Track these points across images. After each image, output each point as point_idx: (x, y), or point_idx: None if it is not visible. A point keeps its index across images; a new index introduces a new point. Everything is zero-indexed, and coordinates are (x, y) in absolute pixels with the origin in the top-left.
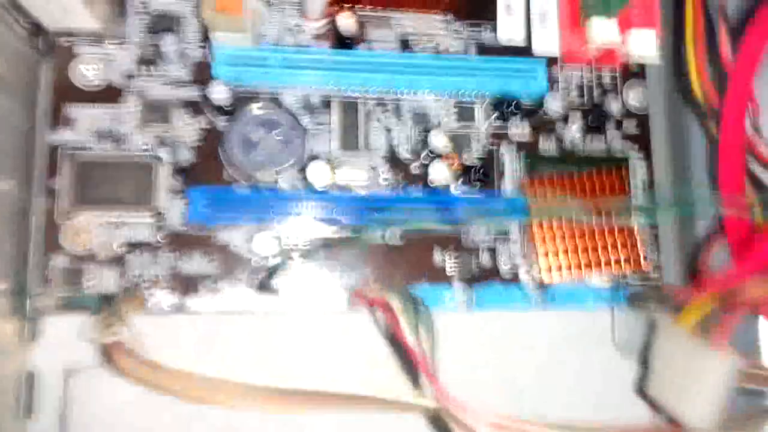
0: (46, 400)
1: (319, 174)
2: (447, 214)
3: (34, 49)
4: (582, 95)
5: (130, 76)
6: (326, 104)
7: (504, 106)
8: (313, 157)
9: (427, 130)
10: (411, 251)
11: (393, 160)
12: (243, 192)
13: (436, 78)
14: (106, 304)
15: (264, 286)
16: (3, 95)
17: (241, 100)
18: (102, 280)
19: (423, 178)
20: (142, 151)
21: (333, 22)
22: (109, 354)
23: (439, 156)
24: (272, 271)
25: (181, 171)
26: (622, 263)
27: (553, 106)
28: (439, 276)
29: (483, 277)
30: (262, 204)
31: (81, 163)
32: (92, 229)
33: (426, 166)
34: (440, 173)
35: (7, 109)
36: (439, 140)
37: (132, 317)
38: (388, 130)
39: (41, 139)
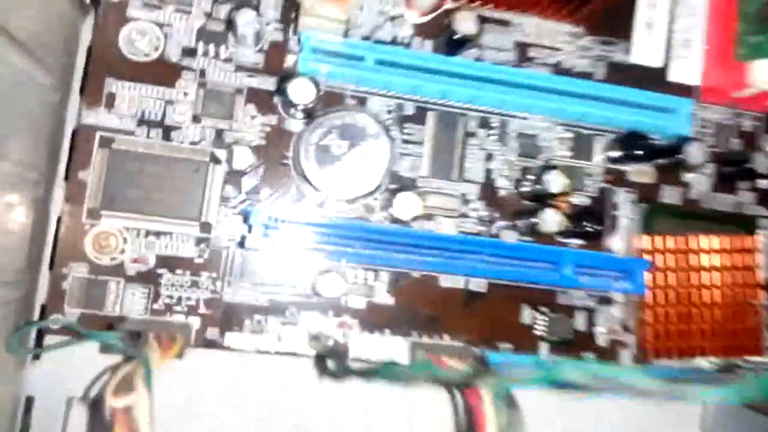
0: (43, 427)
1: (406, 205)
2: (556, 275)
3: (74, 4)
4: (718, 140)
5: (190, 53)
6: (421, 116)
7: (631, 143)
8: (400, 184)
9: (529, 156)
10: (495, 301)
11: (490, 193)
12: (313, 220)
13: (555, 101)
14: (131, 345)
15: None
16: (28, 57)
17: (324, 101)
18: (129, 301)
19: (524, 218)
20: (196, 148)
21: (446, 19)
22: (112, 417)
23: (552, 197)
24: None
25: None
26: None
27: (693, 151)
28: (522, 336)
29: (575, 344)
30: (334, 234)
31: (119, 154)
32: (124, 236)
33: (532, 208)
34: (552, 219)
35: (31, 76)
36: (557, 182)
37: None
38: (489, 156)
39: (72, 119)
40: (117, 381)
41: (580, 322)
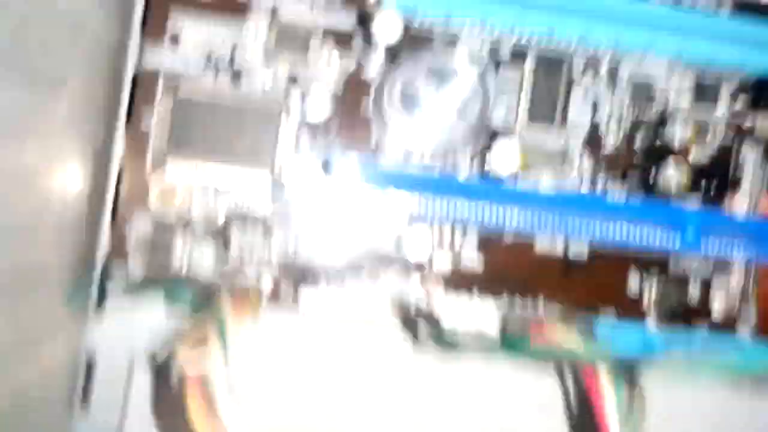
0: (105, 390)
1: (504, 157)
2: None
3: None
4: None
5: None
6: (520, 57)
7: (762, 91)
8: (494, 133)
9: (641, 104)
10: (599, 272)
11: (595, 144)
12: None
13: (675, 38)
14: (202, 303)
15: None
16: None
17: (410, 41)
18: (196, 258)
19: (638, 176)
20: (266, 94)
21: None
22: (182, 384)
23: (670, 153)
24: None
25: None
26: None
27: None
28: (629, 308)
29: (687, 315)
30: (420, 188)
31: (184, 100)
32: (191, 187)
33: (648, 164)
34: (671, 176)
35: (85, 13)
36: (677, 134)
37: (235, 331)
38: (595, 104)
39: (132, 61)
40: (188, 343)
41: (693, 291)
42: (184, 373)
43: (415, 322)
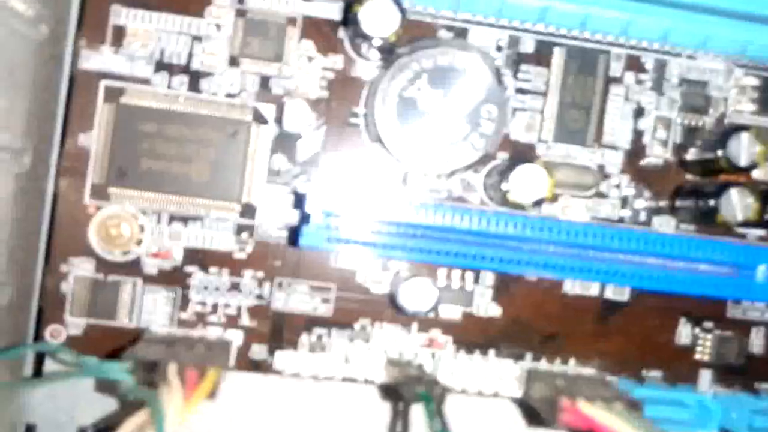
0: None
1: (527, 180)
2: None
3: None
4: None
5: None
6: (545, 54)
7: None
8: (514, 152)
9: (697, 111)
10: (641, 314)
11: (639, 163)
12: (392, 203)
13: (736, 29)
14: (143, 385)
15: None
16: None
17: (408, 35)
18: (148, 309)
19: (691, 202)
20: (233, 102)
21: None
22: None
23: (734, 170)
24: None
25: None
26: None
27: None
28: (676, 360)
29: (748, 372)
30: (428, 217)
31: (130, 109)
32: (140, 222)
33: (702, 186)
34: (736, 203)
35: (6, 8)
36: (746, 150)
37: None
38: (639, 111)
39: (68, 65)
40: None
41: (756, 342)
42: None
43: (412, 387)
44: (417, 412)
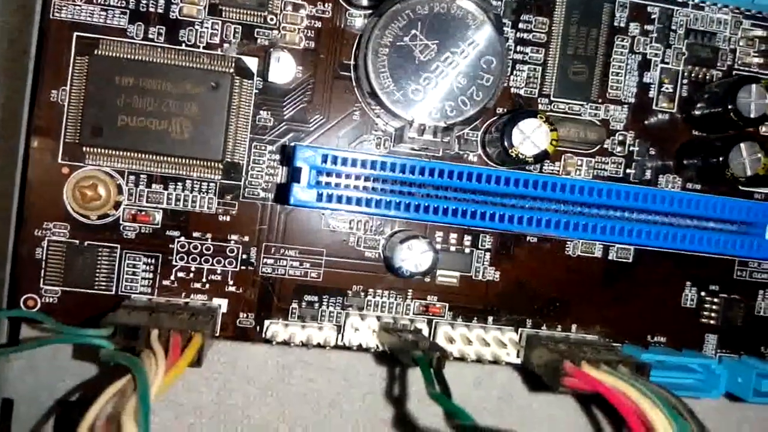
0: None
1: (528, 135)
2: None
3: None
4: None
5: None
6: (546, 3)
7: None
8: (514, 102)
9: (704, 64)
10: (646, 276)
11: (645, 118)
12: (386, 160)
13: None
14: (124, 350)
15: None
16: None
17: None
18: (128, 276)
19: (698, 157)
20: (214, 53)
21: None
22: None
23: (744, 124)
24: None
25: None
26: None
27: None
28: (682, 325)
29: (754, 336)
30: (416, 181)
31: (105, 62)
32: (118, 182)
33: (709, 141)
34: (746, 159)
35: None
36: (756, 102)
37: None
38: (645, 63)
39: (39, 15)
40: (98, 410)
41: (763, 305)
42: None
43: (409, 351)
44: (416, 377)
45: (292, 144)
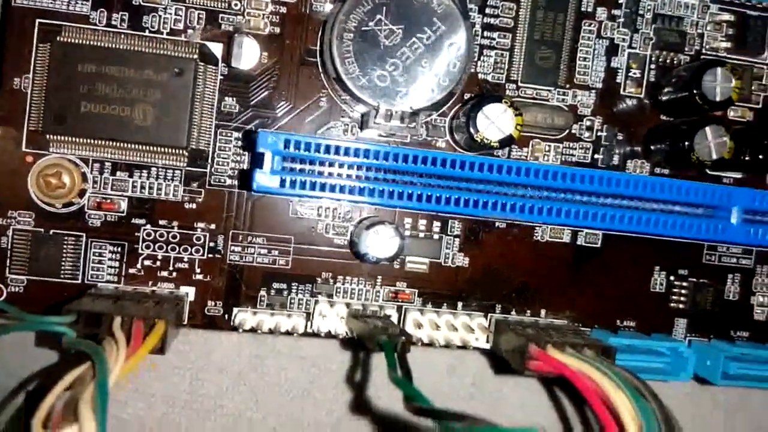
0: None
1: (494, 120)
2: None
3: None
4: None
5: None
6: None
7: None
8: (480, 92)
9: (671, 49)
10: (614, 261)
11: (612, 103)
12: (351, 146)
13: None
14: (84, 338)
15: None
16: None
17: None
18: (94, 264)
19: (665, 142)
20: (178, 39)
21: None
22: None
23: (710, 108)
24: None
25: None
26: None
27: None
28: (651, 310)
29: (723, 320)
30: (382, 167)
31: (68, 49)
32: (82, 170)
33: (676, 126)
34: (712, 142)
35: None
36: (722, 86)
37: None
38: (613, 48)
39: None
40: (55, 396)
41: (732, 289)
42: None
43: (374, 336)
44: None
45: (256, 130)
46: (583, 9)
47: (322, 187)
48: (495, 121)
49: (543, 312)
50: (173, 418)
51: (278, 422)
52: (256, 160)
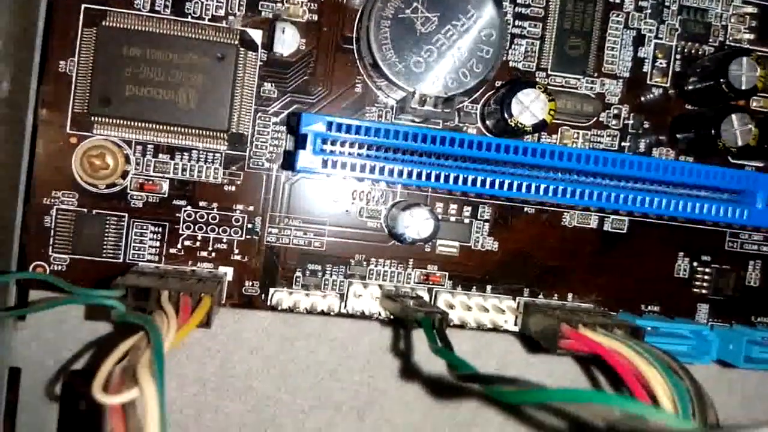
0: (34, 403)
1: (527, 106)
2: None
3: None
4: None
5: None
6: None
7: None
8: (513, 75)
9: (696, 39)
10: (639, 247)
11: (639, 92)
12: (388, 129)
13: None
14: (135, 311)
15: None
16: None
17: None
18: (136, 244)
19: (691, 129)
20: (220, 26)
21: None
22: (99, 413)
23: (735, 96)
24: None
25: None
26: None
27: None
28: (675, 294)
29: (744, 305)
30: (417, 149)
31: (112, 33)
32: (125, 152)
33: (701, 114)
34: (738, 129)
35: None
36: (747, 75)
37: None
38: (640, 38)
39: None
40: (112, 364)
41: (753, 275)
42: (108, 403)
43: (412, 313)
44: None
45: (299, 112)
46: (611, 0)
47: (362, 168)
48: (529, 106)
49: (570, 296)
50: (204, 398)
51: (307, 404)
52: (299, 141)
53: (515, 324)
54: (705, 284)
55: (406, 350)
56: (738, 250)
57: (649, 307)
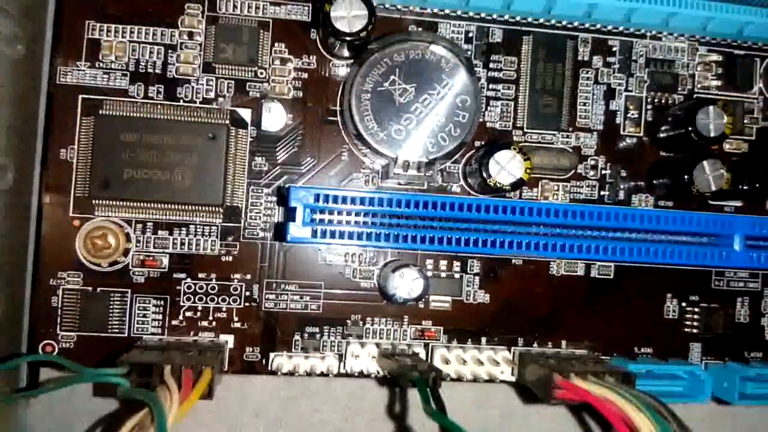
0: None
1: (505, 167)
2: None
3: None
4: None
5: None
6: (513, 43)
7: None
8: (489, 139)
9: (665, 90)
10: (628, 291)
11: (614, 143)
12: (374, 196)
13: (699, 9)
14: (139, 387)
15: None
16: None
17: (378, 31)
18: (139, 318)
19: (666, 176)
20: (210, 107)
21: None
22: None
23: (706, 143)
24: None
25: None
26: None
27: None
28: (666, 335)
29: (735, 342)
30: (404, 213)
31: (110, 120)
32: (126, 231)
33: (675, 161)
34: (710, 175)
35: None
36: (715, 122)
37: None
38: (610, 92)
39: (46, 81)
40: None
41: (742, 312)
42: None
43: (407, 373)
44: (415, 398)
45: (287, 186)
46: (579, 58)
47: (350, 235)
48: (505, 167)
49: (564, 343)
50: None
51: None
52: (289, 214)
53: (512, 374)
54: (695, 323)
55: (402, 409)
56: (725, 288)
57: (643, 350)
